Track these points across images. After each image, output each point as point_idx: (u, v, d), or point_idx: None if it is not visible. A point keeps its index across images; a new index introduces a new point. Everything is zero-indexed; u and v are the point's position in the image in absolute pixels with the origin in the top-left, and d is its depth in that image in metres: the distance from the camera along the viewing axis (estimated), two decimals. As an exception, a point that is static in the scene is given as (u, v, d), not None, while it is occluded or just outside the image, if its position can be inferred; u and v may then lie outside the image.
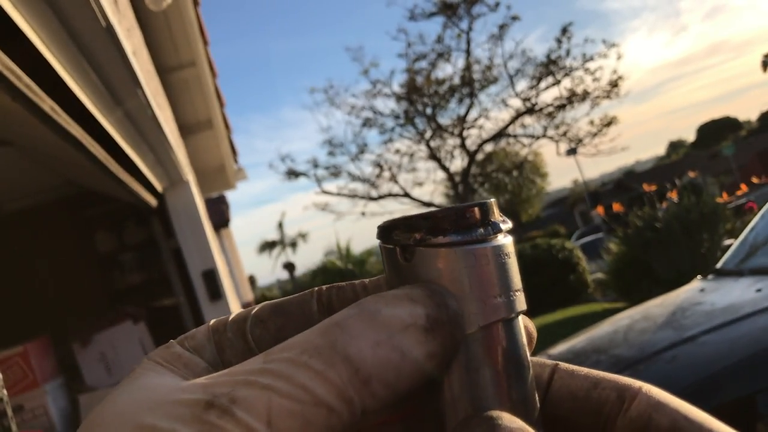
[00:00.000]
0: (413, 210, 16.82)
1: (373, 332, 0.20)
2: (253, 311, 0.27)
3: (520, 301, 0.24)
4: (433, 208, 0.24)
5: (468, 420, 0.22)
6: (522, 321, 0.25)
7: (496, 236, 0.24)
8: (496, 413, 0.22)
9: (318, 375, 0.19)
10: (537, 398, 0.24)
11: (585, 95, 14.67)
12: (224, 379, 0.20)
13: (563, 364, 0.26)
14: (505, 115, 18.19)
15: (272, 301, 0.28)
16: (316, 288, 0.28)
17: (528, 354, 0.24)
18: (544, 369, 0.26)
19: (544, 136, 15.47)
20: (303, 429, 0.19)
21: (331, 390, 0.19)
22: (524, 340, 0.24)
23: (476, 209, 0.24)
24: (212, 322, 0.27)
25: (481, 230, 0.23)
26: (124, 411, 0.20)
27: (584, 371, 0.26)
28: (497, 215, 0.24)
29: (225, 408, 0.19)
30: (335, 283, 0.28)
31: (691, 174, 8.68)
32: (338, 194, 16.56)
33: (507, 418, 0.21)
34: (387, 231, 0.25)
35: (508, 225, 0.25)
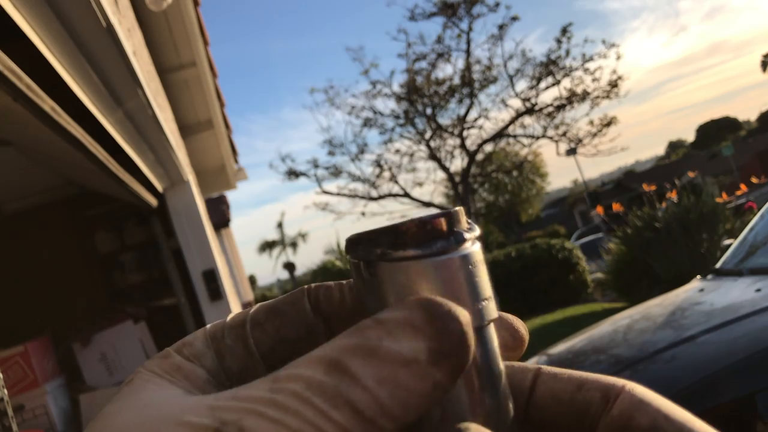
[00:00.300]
0: (412, 210, 16.83)
1: (374, 370, 0.20)
2: (249, 314, 0.27)
3: (490, 310, 0.24)
4: (418, 214, 0.24)
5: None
6: (493, 329, 0.24)
7: (460, 246, 0.23)
8: (464, 425, 0.22)
9: (322, 415, 0.19)
10: (511, 405, 0.24)
11: (585, 95, 14.66)
12: (232, 403, 0.20)
13: (546, 368, 0.26)
14: (505, 115, 18.24)
15: (266, 302, 0.28)
16: (306, 286, 0.28)
17: (500, 361, 0.24)
18: (526, 374, 0.26)
19: (543, 136, 15.46)
20: None
21: (337, 428, 0.19)
22: (496, 348, 0.24)
23: (439, 220, 0.23)
24: (209, 327, 0.27)
25: (443, 242, 0.23)
26: (127, 430, 0.20)
27: (567, 373, 0.25)
28: (464, 223, 0.24)
29: None
30: (323, 283, 0.28)
31: (691, 174, 8.68)
32: (338, 194, 16.56)
33: (475, 429, 0.21)
34: (352, 245, 0.25)
35: (474, 233, 0.24)
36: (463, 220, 0.24)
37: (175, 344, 0.26)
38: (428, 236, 0.23)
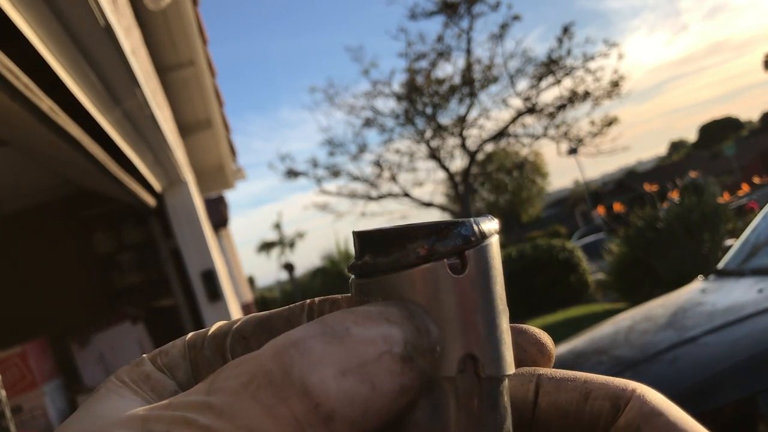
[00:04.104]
0: (412, 209, 16.82)
1: (339, 358, 0.17)
2: (235, 326, 0.25)
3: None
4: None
5: None
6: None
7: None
8: None
9: (266, 412, 0.16)
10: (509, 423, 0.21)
11: (586, 95, 14.66)
12: (165, 413, 0.18)
13: (545, 375, 0.23)
14: (506, 115, 18.20)
15: (259, 314, 0.25)
16: (308, 300, 0.25)
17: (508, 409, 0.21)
18: (527, 385, 0.23)
19: (544, 135, 15.46)
20: None
21: (281, 430, 0.16)
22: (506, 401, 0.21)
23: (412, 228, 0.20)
24: (189, 336, 0.25)
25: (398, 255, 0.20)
26: None
27: (570, 379, 0.23)
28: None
29: None
30: (328, 296, 0.25)
31: (693, 174, 8.67)
32: (338, 194, 16.56)
33: None
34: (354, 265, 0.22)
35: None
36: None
37: (152, 352, 0.24)
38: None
